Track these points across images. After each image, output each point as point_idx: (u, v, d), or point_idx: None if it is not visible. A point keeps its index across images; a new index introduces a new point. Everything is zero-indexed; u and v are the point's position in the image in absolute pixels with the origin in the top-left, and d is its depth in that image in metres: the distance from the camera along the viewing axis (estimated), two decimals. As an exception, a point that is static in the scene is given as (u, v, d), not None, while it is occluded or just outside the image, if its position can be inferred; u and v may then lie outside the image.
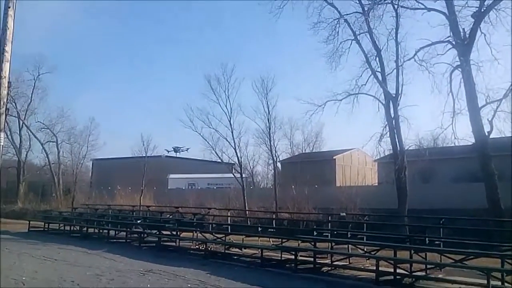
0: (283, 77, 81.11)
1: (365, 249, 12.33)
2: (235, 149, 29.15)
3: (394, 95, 21.96)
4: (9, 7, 20.11)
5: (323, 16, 23.46)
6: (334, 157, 40.36)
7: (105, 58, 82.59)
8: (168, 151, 31.97)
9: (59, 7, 69.89)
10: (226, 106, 28.82)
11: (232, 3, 76.47)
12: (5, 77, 18.73)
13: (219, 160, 31.02)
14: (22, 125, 42.52)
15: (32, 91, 42.71)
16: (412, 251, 10.82)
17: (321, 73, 77.97)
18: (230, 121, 28.78)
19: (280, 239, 14.28)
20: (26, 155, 43.76)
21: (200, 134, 29.80)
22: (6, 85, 18.73)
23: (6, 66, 19.03)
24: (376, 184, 36.42)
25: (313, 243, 12.62)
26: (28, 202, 37.12)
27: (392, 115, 21.99)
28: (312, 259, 11.81)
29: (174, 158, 46.44)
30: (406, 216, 19.62)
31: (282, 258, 12.60)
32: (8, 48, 18.88)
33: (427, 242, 11.75)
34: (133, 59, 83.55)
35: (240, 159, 29.98)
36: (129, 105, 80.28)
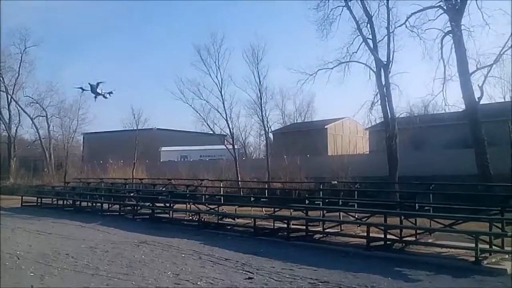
0: (274, 46, 80.00)
1: (356, 216, 12.49)
2: (226, 120, 29.15)
3: (385, 63, 21.84)
4: (-11, -22, 19.27)
5: (315, -17, 23.04)
6: (325, 127, 40.42)
7: (93, 30, 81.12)
8: (83, 90, 30.80)
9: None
10: (216, 76, 28.68)
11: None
12: (-11, 51, 18.24)
13: (211, 132, 31.02)
14: (10, 100, 41.93)
15: (20, 65, 41.96)
16: (402, 217, 10.95)
17: (312, 41, 77.38)
18: (221, 92, 28.70)
19: (272, 209, 14.41)
20: (16, 130, 43.39)
21: (191, 105, 29.71)
22: (-9, 59, 18.15)
23: (-10, 41, 18.42)
24: (368, 152, 36.67)
25: (305, 212, 12.75)
26: (20, 177, 36.98)
27: (383, 83, 21.92)
28: (304, 227, 11.95)
29: (166, 130, 46.23)
30: (397, 183, 19.83)
31: (275, 227, 12.75)
32: (-8, 22, 18.18)
33: (417, 208, 11.90)
34: (120, 29, 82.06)
35: (232, 130, 30.02)
36: (119, 76, 79.06)
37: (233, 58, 30.32)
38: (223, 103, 28.68)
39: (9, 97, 41.58)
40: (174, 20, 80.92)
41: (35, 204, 22.40)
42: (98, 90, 28.61)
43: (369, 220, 11.33)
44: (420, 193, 14.26)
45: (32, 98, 42.30)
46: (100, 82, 28.37)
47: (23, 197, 23.22)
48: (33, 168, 40.88)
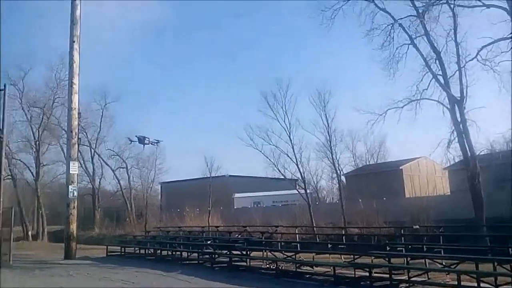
0: (340, 88, 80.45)
1: (443, 263, 11.77)
2: (297, 164, 29.13)
3: (459, 98, 21.03)
4: (74, 41, 21.13)
5: (376, 23, 23.07)
6: (400, 167, 39.12)
7: (165, 82, 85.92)
8: (131, 141, 34.25)
9: (118, 37, 73.98)
10: (284, 121, 29.03)
11: (282, 20, 77.27)
12: (75, 108, 19.69)
13: (282, 177, 31.08)
14: (93, 154, 45.20)
15: (101, 120, 45.39)
16: (496, 263, 10.18)
17: (379, 80, 76.44)
18: (289, 137, 28.90)
19: (352, 256, 13.97)
20: (100, 182, 46.34)
21: (261, 151, 30.13)
22: (77, 116, 19.64)
23: (75, 98, 20.03)
24: (449, 193, 34.79)
25: (387, 259, 12.23)
26: (105, 227, 39.03)
27: (459, 119, 21.04)
28: (387, 275, 11.43)
29: (238, 177, 47.03)
30: (485, 226, 18.56)
31: (356, 276, 12.31)
32: (75, 80, 19.86)
33: (510, 252, 11.03)
34: (190, 81, 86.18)
35: (303, 174, 29.87)
36: (190, 125, 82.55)
37: (299, 102, 30.84)
38: (293, 148, 28.83)
39: (93, 151, 44.82)
40: (241, 69, 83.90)
41: (119, 253, 23.32)
42: (146, 141, 31.41)
43: (458, 267, 10.63)
44: (512, 236, 13.23)
45: (113, 151, 45.31)
46: (146, 137, 31.55)
47: (108, 247, 24.30)
48: (116, 218, 43.07)
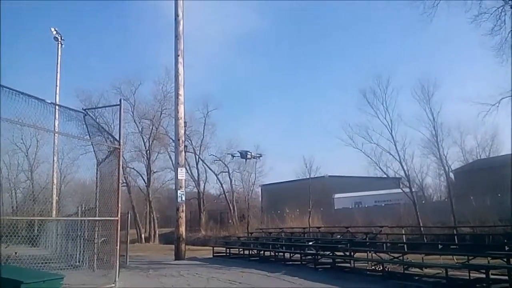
0: (445, 79, 75.63)
1: None
2: (400, 162, 28.01)
3: None
4: (178, 55, 22.40)
5: (484, 7, 21.31)
6: (516, 161, 35.69)
7: (264, 88, 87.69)
8: (233, 156, 34.65)
9: (217, 49, 77.06)
10: (385, 118, 28.10)
11: (380, 11, 74.84)
12: (181, 118, 20.84)
13: (385, 176, 30.06)
14: (198, 160, 47.53)
15: (204, 128, 47.70)
16: None
17: (490, 68, 70.53)
18: (391, 134, 27.90)
19: (465, 257, 13.05)
20: (204, 186, 48.62)
21: (361, 150, 29.43)
22: (183, 125, 20.83)
23: (181, 108, 21.21)
24: None
25: (505, 259, 11.23)
26: (210, 229, 40.84)
27: None
28: (507, 277, 10.50)
29: (338, 177, 46.35)
30: None
31: (471, 278, 11.47)
32: (181, 92, 21.04)
33: None
34: (288, 85, 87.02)
35: (407, 172, 28.64)
36: (288, 129, 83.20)
37: (401, 97, 29.60)
38: (395, 145, 27.76)
39: (197, 157, 47.16)
40: (341, 67, 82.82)
41: (224, 254, 24.17)
42: (248, 156, 32.32)
43: None
44: None
45: (216, 156, 47.29)
46: (248, 151, 32.43)
47: (214, 248, 25.32)
48: (220, 220, 44.87)
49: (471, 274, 11.58)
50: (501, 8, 20.79)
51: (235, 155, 35.43)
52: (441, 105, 27.16)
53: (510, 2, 20.53)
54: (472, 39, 52.65)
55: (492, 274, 10.87)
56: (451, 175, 36.82)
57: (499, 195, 26.83)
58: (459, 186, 35.16)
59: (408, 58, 75.82)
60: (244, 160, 35.03)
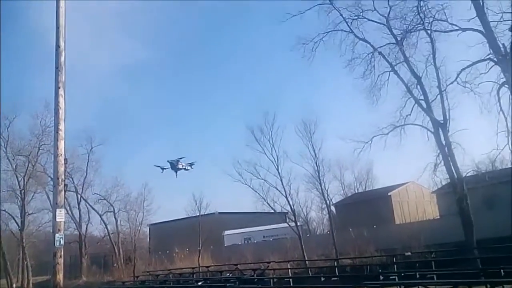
0: (325, 118, 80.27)
1: (437, 290, 11.61)
2: (286, 197, 28.91)
3: (442, 122, 21.23)
4: (59, 87, 21.06)
5: (357, 52, 23.44)
6: (389, 194, 39.08)
7: (149, 121, 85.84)
8: (163, 169, 31.23)
9: (102, 80, 74.45)
10: (272, 154, 28.97)
11: (265, 53, 78.68)
12: (61, 154, 19.40)
13: (272, 211, 30.78)
14: (80, 199, 44.14)
15: (87, 164, 44.36)
16: (489, 286, 10.06)
17: (363, 108, 77.23)
18: (278, 170, 28.79)
19: (345, 288, 13.74)
20: (86, 228, 45.10)
21: (250, 186, 29.89)
22: (63, 162, 19.36)
23: (61, 144, 19.80)
24: (438, 217, 34.73)
25: (380, 289, 12.03)
26: (92, 275, 37.94)
27: (444, 143, 21.18)
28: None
29: (228, 214, 46.46)
30: (476, 248, 18.43)
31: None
32: (62, 126, 19.68)
33: (502, 274, 10.92)
34: (174, 119, 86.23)
35: (292, 207, 29.64)
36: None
37: (286, 134, 30.67)
38: (281, 180, 28.69)
39: (79, 196, 43.91)
40: (227, 103, 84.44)
41: (107, 301, 22.63)
42: (179, 166, 29.51)
43: (452, 293, 10.48)
44: (503, 257, 13.15)
45: (100, 195, 44.26)
46: (180, 158, 29.39)
47: (96, 295, 23.59)
48: (104, 264, 41.93)
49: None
50: (371, 54, 23.13)
51: (165, 167, 31.95)
52: (322, 142, 28.76)
53: (379, 49, 22.91)
54: (347, 81, 57.49)
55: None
56: (333, 208, 39.00)
57: (375, 226, 28.95)
58: (340, 219, 37.35)
59: (292, 96, 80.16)
60: (175, 172, 31.60)
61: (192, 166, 30.76)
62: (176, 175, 29.92)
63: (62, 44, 19.58)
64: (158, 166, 32.90)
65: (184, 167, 30.52)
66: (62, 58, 19.58)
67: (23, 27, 70.11)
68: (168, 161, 29.93)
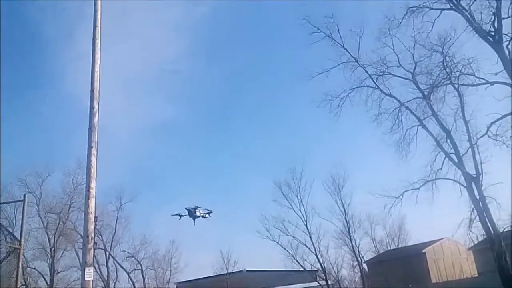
0: (353, 172, 79.90)
1: None
2: (316, 254, 28.51)
3: (474, 176, 20.81)
4: (92, 147, 21.86)
5: (384, 107, 23.56)
6: (423, 251, 37.69)
7: (180, 178, 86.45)
8: (181, 216, 30.31)
9: (132, 137, 76.52)
10: (300, 210, 28.89)
11: (290, 109, 79.72)
12: (91, 212, 19.77)
13: (302, 269, 30.10)
14: (108, 257, 44.23)
15: (116, 222, 44.83)
16: None
17: (392, 163, 76.21)
18: (306, 226, 28.64)
19: None
20: (114, 286, 44.87)
21: (278, 243, 29.53)
22: (93, 220, 19.67)
23: (92, 202, 20.20)
24: (476, 275, 33.12)
25: None
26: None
27: (477, 197, 20.64)
28: None
29: (256, 271, 45.46)
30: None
31: None
32: (93, 185, 20.17)
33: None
34: (202, 175, 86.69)
35: (323, 264, 29.13)
36: (206, 220, 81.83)
37: (314, 189, 30.57)
38: (310, 237, 28.45)
39: (107, 254, 43.99)
40: (253, 159, 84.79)
41: None
42: (196, 213, 29.22)
43: None
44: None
45: (128, 252, 44.41)
46: (198, 207, 29.17)
47: None
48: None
49: None
50: (398, 109, 23.19)
51: (183, 214, 31.58)
52: (351, 197, 28.54)
53: (405, 103, 22.97)
54: (375, 135, 57.19)
55: None
56: (365, 266, 37.76)
57: (410, 286, 27.79)
58: (373, 277, 36.03)
59: (319, 151, 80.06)
60: (193, 219, 31.16)
61: (210, 214, 30.39)
62: (194, 222, 29.60)
63: (96, 106, 20.57)
64: (176, 214, 32.87)
65: (202, 214, 30.15)
66: (95, 119, 20.55)
67: (59, 90, 73.60)
68: (185, 208, 29.66)
